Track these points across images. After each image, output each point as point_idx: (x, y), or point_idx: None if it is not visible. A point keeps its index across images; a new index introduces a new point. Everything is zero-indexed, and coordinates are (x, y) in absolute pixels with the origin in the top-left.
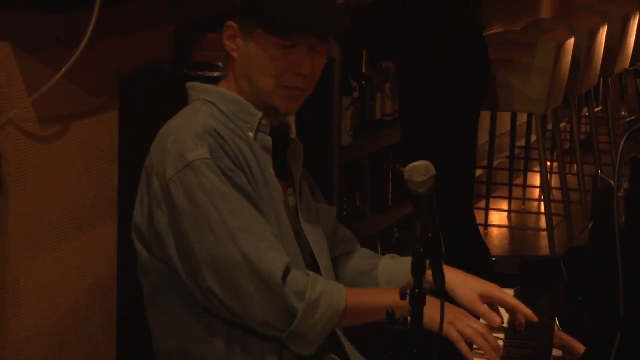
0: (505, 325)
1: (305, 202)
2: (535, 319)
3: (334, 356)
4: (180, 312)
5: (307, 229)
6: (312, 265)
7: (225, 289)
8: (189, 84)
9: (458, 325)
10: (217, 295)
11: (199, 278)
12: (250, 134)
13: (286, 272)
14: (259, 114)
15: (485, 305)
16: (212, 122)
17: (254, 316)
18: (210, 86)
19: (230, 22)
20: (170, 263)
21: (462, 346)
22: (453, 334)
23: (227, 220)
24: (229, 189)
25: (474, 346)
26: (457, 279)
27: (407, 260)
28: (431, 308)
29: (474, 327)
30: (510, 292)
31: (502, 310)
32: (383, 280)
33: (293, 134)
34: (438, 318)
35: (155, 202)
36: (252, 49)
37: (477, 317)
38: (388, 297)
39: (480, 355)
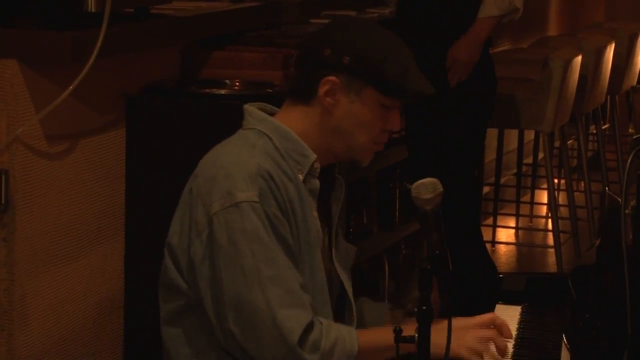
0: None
1: (339, 242)
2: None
3: None
4: (196, 335)
5: (340, 270)
6: (342, 305)
7: (244, 333)
8: (248, 108)
9: (468, 343)
10: (236, 337)
11: (222, 317)
12: (300, 177)
13: (307, 329)
14: (313, 157)
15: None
16: (266, 162)
17: None
18: (268, 116)
19: (332, 78)
20: (198, 293)
21: None
22: (465, 353)
23: (261, 268)
24: (269, 238)
25: None
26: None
27: (377, 306)
28: (436, 335)
29: (481, 336)
30: (517, 309)
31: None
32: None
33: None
34: (444, 344)
35: (196, 229)
36: (358, 108)
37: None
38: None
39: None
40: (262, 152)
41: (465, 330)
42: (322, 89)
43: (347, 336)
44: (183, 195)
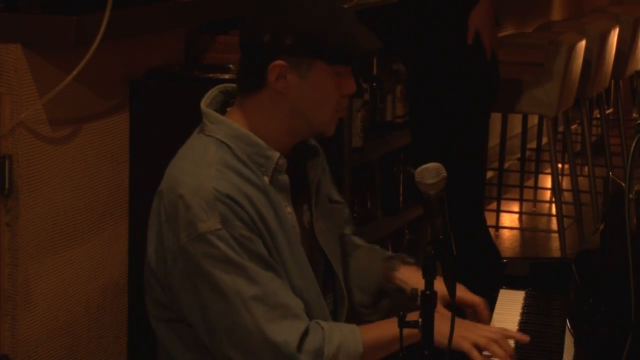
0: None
1: (321, 211)
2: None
3: None
4: (188, 337)
5: (323, 243)
6: (330, 278)
7: (242, 354)
8: (205, 110)
9: (471, 337)
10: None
11: (219, 343)
12: (266, 179)
13: (302, 337)
14: (276, 156)
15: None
16: (223, 183)
17: None
18: (224, 119)
19: (279, 62)
20: (187, 317)
21: (475, 355)
22: (465, 345)
23: (241, 290)
24: (242, 259)
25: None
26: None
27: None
28: (440, 323)
29: (487, 335)
30: (520, 294)
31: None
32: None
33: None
34: (448, 332)
35: (170, 257)
36: (312, 83)
37: None
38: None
39: None
40: (220, 170)
41: (473, 325)
42: (272, 75)
43: (351, 338)
44: (152, 211)
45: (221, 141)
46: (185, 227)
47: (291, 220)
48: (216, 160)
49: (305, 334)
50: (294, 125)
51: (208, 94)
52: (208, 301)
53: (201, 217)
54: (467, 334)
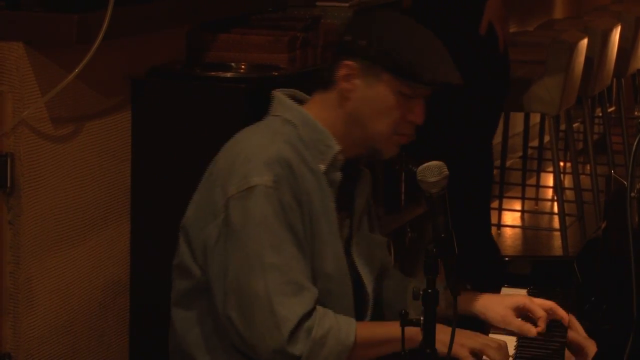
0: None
1: (360, 233)
2: (566, 321)
3: None
4: (204, 319)
5: (359, 261)
6: (362, 296)
7: (243, 319)
8: (277, 94)
9: (468, 344)
10: (234, 323)
11: (225, 302)
12: (322, 167)
13: (303, 320)
14: (336, 149)
15: (518, 319)
16: (287, 150)
17: (262, 350)
18: (295, 104)
19: (349, 62)
20: (209, 276)
21: None
22: (463, 353)
23: (265, 255)
24: (278, 225)
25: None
26: (486, 301)
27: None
28: (440, 333)
29: (484, 342)
30: (523, 292)
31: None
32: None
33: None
34: (448, 342)
35: (212, 212)
36: (375, 93)
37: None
38: (399, 329)
39: None
40: (284, 141)
41: (474, 333)
42: (340, 74)
43: (345, 327)
44: (203, 178)
45: (288, 120)
46: (238, 180)
47: (334, 216)
48: (281, 133)
49: (304, 318)
50: (352, 133)
51: (279, 90)
52: (231, 257)
53: (258, 170)
54: (465, 341)
